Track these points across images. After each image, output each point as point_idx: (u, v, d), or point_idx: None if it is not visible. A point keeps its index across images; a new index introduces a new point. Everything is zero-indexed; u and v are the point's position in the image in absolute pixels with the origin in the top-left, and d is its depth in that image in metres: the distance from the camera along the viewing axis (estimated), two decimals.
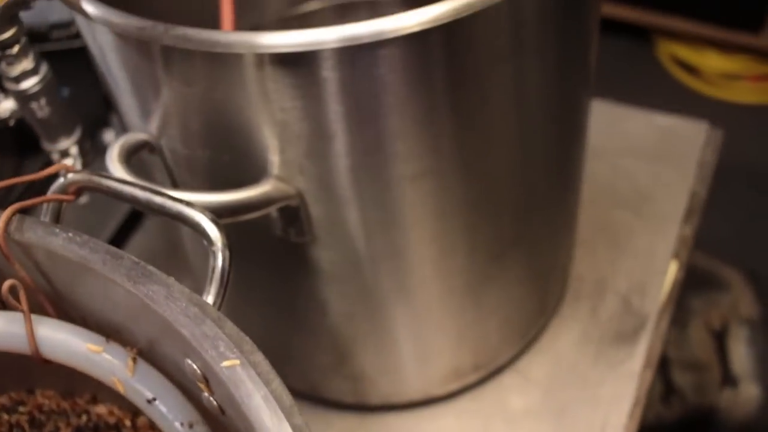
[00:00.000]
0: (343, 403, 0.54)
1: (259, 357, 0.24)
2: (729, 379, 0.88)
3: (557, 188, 0.47)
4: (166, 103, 0.36)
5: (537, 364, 0.55)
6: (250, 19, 0.60)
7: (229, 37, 0.31)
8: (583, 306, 0.57)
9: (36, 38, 0.67)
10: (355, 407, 0.54)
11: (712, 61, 1.45)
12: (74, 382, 0.37)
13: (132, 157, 0.38)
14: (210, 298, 0.29)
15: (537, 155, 0.42)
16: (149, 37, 0.32)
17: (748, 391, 0.89)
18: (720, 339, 0.91)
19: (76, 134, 0.46)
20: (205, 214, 0.30)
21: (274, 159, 0.36)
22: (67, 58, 0.62)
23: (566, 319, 0.57)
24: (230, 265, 0.29)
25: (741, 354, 0.90)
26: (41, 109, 0.43)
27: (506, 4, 0.32)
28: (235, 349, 0.24)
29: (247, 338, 0.25)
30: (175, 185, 0.41)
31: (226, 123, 0.35)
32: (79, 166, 0.46)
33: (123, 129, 0.43)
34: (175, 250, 0.61)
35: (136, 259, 0.27)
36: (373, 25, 0.30)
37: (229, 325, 0.25)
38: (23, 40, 0.42)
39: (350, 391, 0.52)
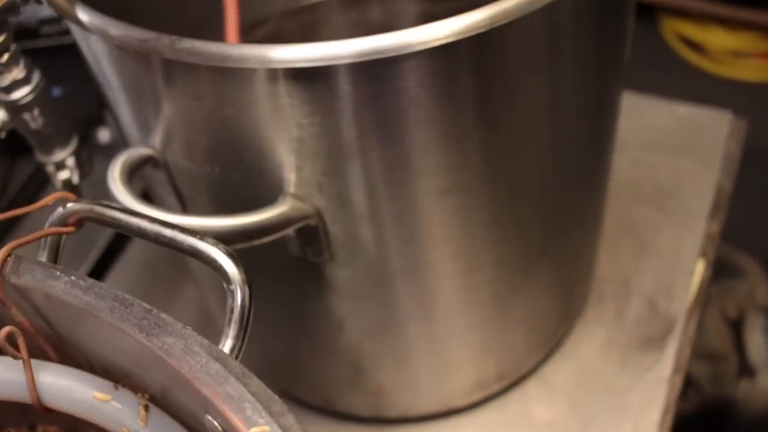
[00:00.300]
0: (359, 417, 0.51)
1: (290, 419, 0.21)
2: (746, 370, 0.86)
3: (587, 192, 0.44)
4: (170, 117, 0.33)
5: (561, 371, 0.52)
6: (255, 12, 0.57)
7: (240, 50, 0.28)
8: (607, 308, 0.55)
9: (25, 34, 0.64)
10: (371, 420, 0.51)
11: (718, 38, 1.42)
12: (79, 417, 0.35)
13: (135, 173, 0.36)
14: (229, 342, 0.26)
15: (569, 161, 0.39)
16: (153, 51, 0.29)
17: (766, 382, 0.87)
18: (736, 328, 0.88)
19: (72, 144, 0.43)
20: (219, 248, 0.27)
21: (290, 177, 0.33)
22: (59, 55, 0.59)
23: (590, 322, 0.54)
24: (251, 303, 0.27)
25: (758, 343, 0.87)
26: (34, 120, 0.41)
27: (543, 10, 0.29)
28: (263, 412, 0.21)
29: (276, 397, 0.22)
30: (182, 202, 0.38)
31: (236, 139, 0.33)
32: (76, 178, 0.43)
33: (121, 135, 0.41)
34: (175, 255, 0.58)
35: (148, 306, 0.24)
36: (399, 37, 0.28)
37: (255, 383, 0.22)
38: (13, 47, 0.39)
39: (367, 405, 0.50)
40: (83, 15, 0.31)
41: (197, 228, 0.32)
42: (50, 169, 0.43)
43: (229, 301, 0.26)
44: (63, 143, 0.43)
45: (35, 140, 0.42)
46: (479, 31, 0.28)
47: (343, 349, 0.44)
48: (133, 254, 0.60)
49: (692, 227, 0.58)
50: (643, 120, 0.65)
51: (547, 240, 0.42)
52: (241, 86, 0.30)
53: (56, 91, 0.65)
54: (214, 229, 0.32)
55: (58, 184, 0.43)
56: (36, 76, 0.40)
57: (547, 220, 0.41)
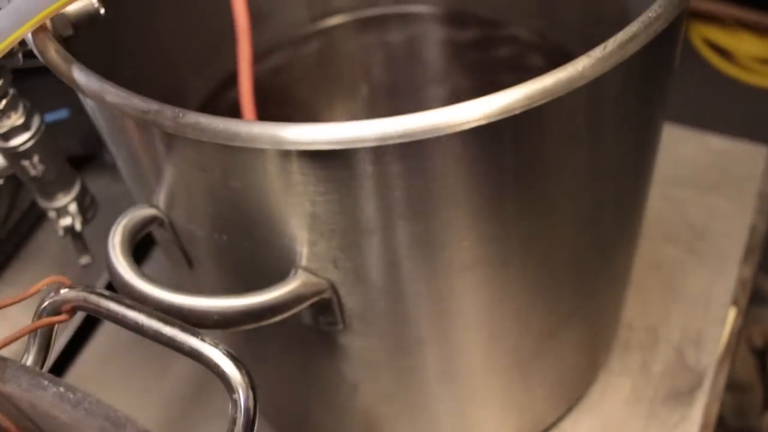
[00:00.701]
0: None
1: None
2: None
3: (621, 248, 0.42)
4: (172, 183, 0.31)
5: (584, 425, 0.50)
6: (269, 37, 0.54)
7: (250, 129, 0.25)
8: (633, 358, 0.52)
9: (31, 53, 0.62)
10: None
11: (747, 44, 1.38)
12: None
13: (139, 236, 0.33)
14: None
15: (606, 221, 0.37)
16: (154, 124, 0.27)
17: None
18: (762, 358, 0.86)
19: (75, 189, 0.41)
20: (221, 350, 0.25)
21: (302, 250, 0.31)
22: None
23: (615, 373, 0.52)
24: (255, 411, 0.24)
25: None
26: (34, 167, 0.38)
27: (586, 86, 0.26)
28: None
29: None
30: (189, 261, 0.36)
31: (244, 211, 0.30)
32: (78, 225, 0.41)
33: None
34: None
35: (142, 428, 0.22)
36: (427, 119, 0.25)
37: None
38: (11, 92, 0.37)
39: None
40: (80, 77, 0.28)
41: (202, 310, 0.30)
42: (52, 215, 0.41)
43: (232, 410, 0.24)
44: (65, 188, 0.41)
45: (35, 186, 0.40)
46: (515, 112, 0.25)
47: (356, 410, 0.42)
48: None
49: (724, 271, 0.55)
50: (674, 152, 0.62)
51: (576, 302, 0.40)
52: (250, 162, 0.27)
53: (65, 111, 0.62)
54: (219, 311, 0.30)
55: (60, 231, 0.41)
56: (36, 122, 0.38)
57: (578, 283, 0.39)
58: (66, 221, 0.41)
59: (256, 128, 0.25)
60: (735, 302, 0.54)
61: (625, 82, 0.29)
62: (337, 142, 0.25)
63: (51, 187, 0.40)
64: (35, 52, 0.30)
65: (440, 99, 0.59)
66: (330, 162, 0.27)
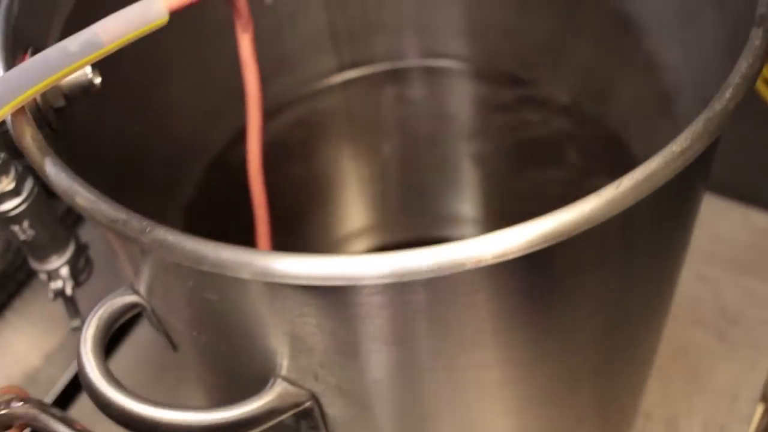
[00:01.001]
0: None
1: None
2: None
3: (645, 349, 0.39)
4: (149, 280, 0.29)
5: None
6: (293, 85, 0.52)
7: (221, 254, 0.23)
8: None
9: None
10: None
11: None
12: None
13: (117, 324, 0.31)
14: None
15: (632, 329, 0.34)
16: (121, 234, 0.25)
17: None
18: None
19: (69, 252, 0.39)
20: None
21: (282, 362, 0.29)
22: None
23: None
24: None
25: None
26: (24, 232, 0.37)
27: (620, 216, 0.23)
28: None
29: None
30: (174, 348, 0.34)
31: (221, 322, 0.28)
32: (69, 290, 0.40)
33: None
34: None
35: None
36: (436, 256, 0.22)
37: None
38: (2, 156, 0.35)
39: None
40: (51, 171, 0.26)
41: (169, 423, 0.28)
42: (43, 277, 0.40)
43: None
44: (58, 251, 0.39)
45: (26, 249, 0.38)
46: (514, 256, 0.23)
47: None
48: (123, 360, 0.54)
49: (755, 363, 0.52)
50: (712, 227, 0.58)
51: (588, 409, 0.37)
52: (225, 281, 0.25)
53: None
54: (187, 425, 0.28)
55: (50, 294, 0.40)
56: (28, 186, 0.36)
57: (593, 393, 0.36)
58: (57, 285, 0.39)
59: (224, 254, 0.23)
60: (764, 398, 0.50)
61: (661, 203, 0.27)
62: (333, 278, 0.23)
63: (43, 250, 0.38)
64: (12, 136, 0.28)
65: (467, 155, 0.57)
66: (311, 292, 0.25)
